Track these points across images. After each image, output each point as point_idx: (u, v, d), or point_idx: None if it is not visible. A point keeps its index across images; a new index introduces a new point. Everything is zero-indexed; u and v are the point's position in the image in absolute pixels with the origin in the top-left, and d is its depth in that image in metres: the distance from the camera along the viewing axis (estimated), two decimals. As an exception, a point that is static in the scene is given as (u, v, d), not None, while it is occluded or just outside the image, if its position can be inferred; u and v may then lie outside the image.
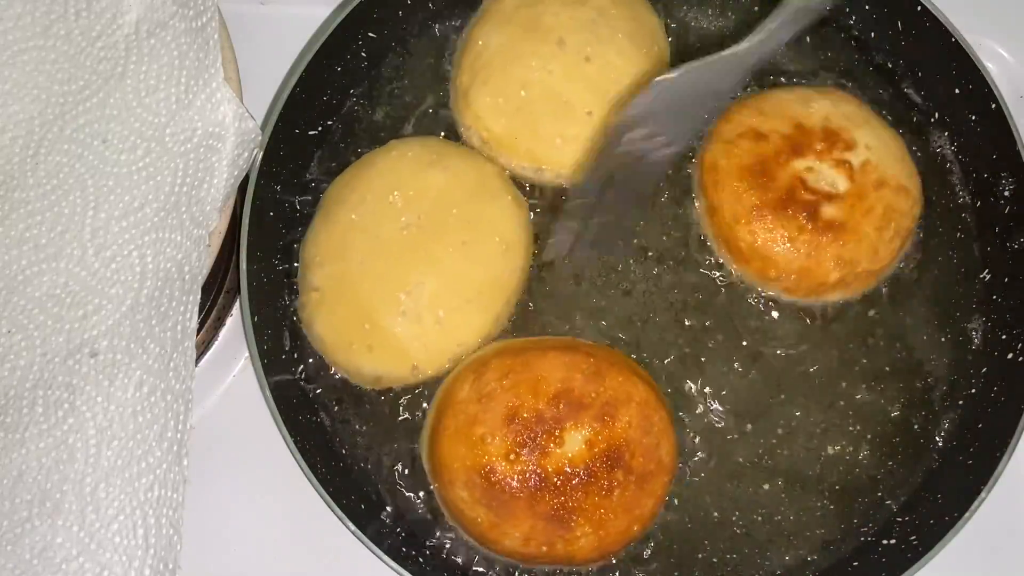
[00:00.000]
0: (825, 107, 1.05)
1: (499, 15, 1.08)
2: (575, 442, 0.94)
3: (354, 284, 1.00)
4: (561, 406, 0.95)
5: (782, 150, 1.03)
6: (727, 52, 0.89)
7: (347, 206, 1.02)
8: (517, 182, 1.07)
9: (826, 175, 1.03)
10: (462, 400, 0.97)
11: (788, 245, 1.01)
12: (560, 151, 1.04)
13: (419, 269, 0.99)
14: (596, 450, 0.94)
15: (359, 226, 1.01)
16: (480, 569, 1.00)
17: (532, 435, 0.94)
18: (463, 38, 1.11)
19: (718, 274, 1.06)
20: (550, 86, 1.04)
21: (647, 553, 1.00)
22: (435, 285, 0.99)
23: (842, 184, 1.02)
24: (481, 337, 1.01)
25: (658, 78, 0.88)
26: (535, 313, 1.05)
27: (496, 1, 1.10)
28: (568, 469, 0.94)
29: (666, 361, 1.04)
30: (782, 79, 1.12)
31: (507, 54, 1.05)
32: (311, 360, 1.05)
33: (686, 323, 1.04)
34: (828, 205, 1.01)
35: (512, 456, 0.94)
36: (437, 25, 1.14)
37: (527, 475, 0.94)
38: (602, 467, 0.94)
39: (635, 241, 1.07)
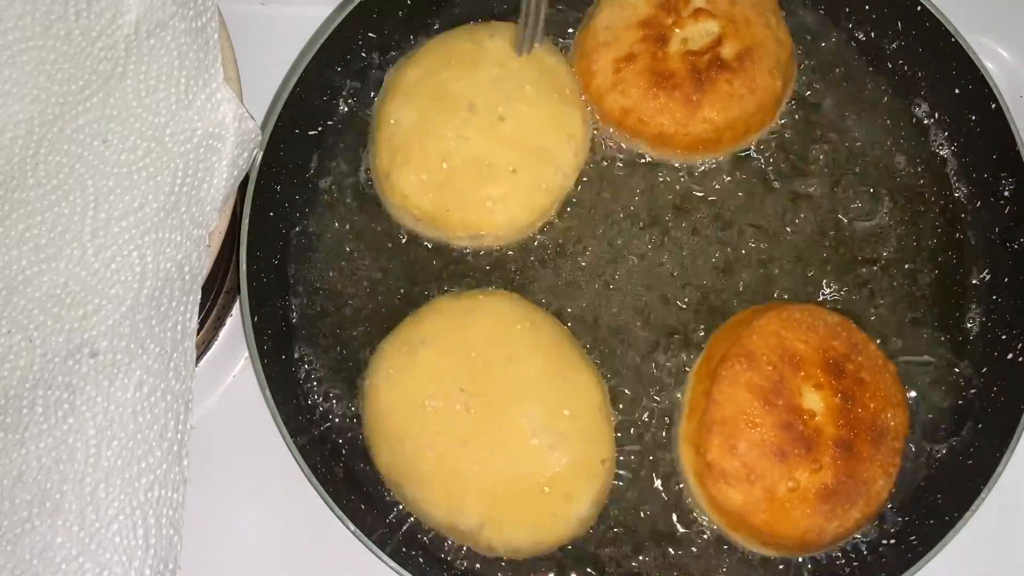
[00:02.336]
0: None
1: (404, 90, 1.06)
2: (815, 402, 0.96)
3: (470, 468, 0.96)
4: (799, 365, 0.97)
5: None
6: None
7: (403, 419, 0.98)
8: (460, 252, 1.07)
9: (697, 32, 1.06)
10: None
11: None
12: (493, 214, 1.04)
13: (523, 410, 0.97)
14: (835, 413, 0.96)
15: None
16: (480, 569, 1.00)
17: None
18: (372, 118, 1.09)
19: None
20: (470, 153, 1.03)
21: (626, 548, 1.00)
22: (541, 411, 0.97)
23: (713, 28, 1.06)
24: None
25: None
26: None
27: (397, 76, 1.08)
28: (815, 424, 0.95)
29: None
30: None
31: (421, 129, 1.04)
32: (311, 361, 1.05)
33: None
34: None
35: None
36: (438, 23, 1.15)
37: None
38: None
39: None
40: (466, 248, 1.07)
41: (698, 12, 1.06)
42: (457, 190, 1.03)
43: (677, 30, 1.06)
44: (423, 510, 0.97)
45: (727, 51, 1.05)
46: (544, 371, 0.98)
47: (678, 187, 1.09)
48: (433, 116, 1.04)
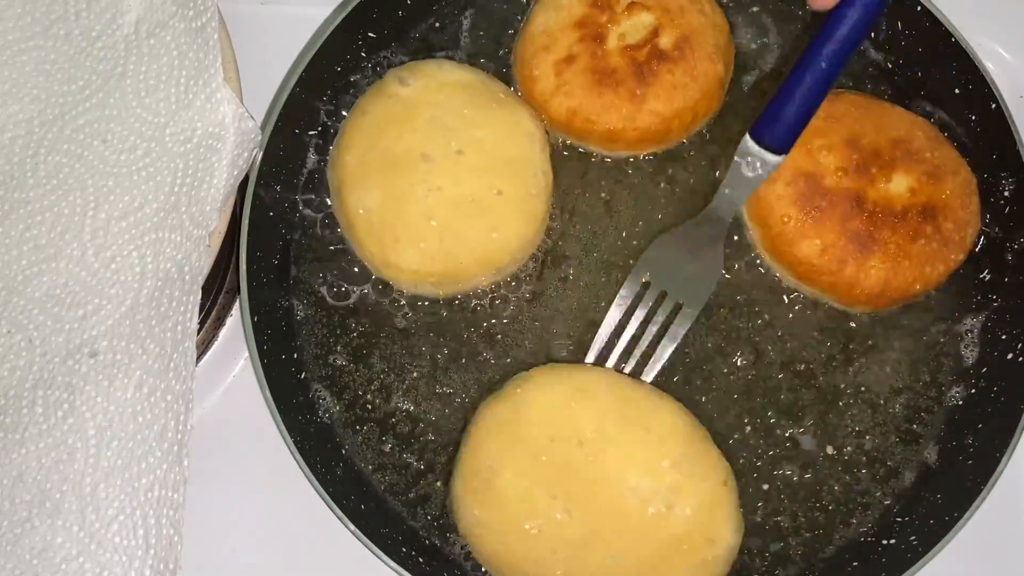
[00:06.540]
0: None
1: (354, 178, 1.03)
2: (900, 184, 1.01)
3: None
4: (898, 151, 1.02)
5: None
6: (702, 214, 1.02)
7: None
8: (482, 296, 1.06)
9: (633, 26, 1.07)
10: None
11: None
12: (500, 242, 1.02)
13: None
14: (916, 199, 1.01)
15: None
16: (481, 570, 1.00)
17: (864, 162, 1.01)
18: (340, 211, 1.06)
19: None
20: (449, 199, 1.01)
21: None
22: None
23: (648, 20, 1.06)
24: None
25: (657, 239, 1.04)
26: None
27: (340, 169, 1.05)
28: (885, 203, 1.01)
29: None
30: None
31: (393, 203, 1.01)
32: (311, 359, 1.05)
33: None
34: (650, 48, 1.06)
35: (840, 174, 1.01)
36: (436, 22, 1.15)
37: (848, 193, 1.01)
38: (916, 215, 1.01)
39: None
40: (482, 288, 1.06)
41: (632, 6, 1.07)
42: (458, 239, 1.01)
43: (613, 26, 1.06)
44: None
45: (665, 41, 1.05)
46: (620, 434, 0.93)
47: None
48: (396, 185, 1.02)
